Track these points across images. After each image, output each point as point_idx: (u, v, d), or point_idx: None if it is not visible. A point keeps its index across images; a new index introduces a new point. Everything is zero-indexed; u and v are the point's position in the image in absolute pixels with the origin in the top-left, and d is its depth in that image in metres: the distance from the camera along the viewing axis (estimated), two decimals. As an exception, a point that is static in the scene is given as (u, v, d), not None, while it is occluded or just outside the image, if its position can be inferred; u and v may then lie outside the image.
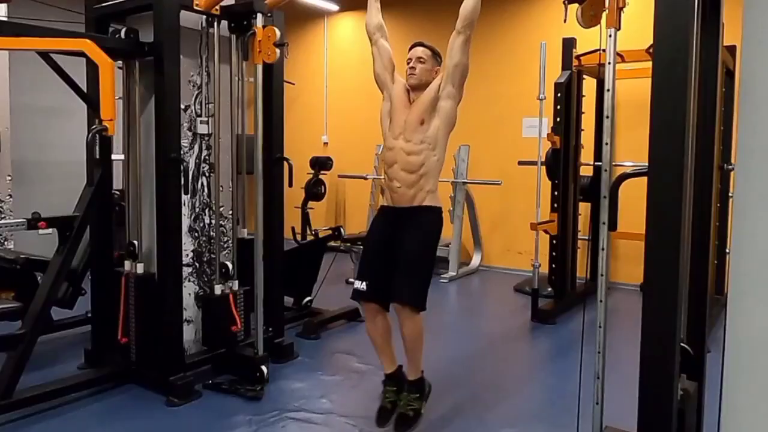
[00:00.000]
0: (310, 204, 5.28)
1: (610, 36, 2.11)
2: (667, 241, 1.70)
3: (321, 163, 5.55)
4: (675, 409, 1.79)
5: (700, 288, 2.14)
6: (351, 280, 5.70)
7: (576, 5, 2.10)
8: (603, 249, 2.18)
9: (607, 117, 2.14)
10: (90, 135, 2.93)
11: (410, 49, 2.75)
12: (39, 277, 3.61)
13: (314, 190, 5.37)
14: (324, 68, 7.82)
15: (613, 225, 2.07)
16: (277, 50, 3.15)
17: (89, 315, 3.70)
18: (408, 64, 2.71)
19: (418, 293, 2.59)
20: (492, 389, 3.36)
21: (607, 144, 2.14)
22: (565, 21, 2.11)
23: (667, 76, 1.72)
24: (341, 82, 7.66)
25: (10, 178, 5.05)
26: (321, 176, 5.48)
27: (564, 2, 2.10)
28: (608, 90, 2.14)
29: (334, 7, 7.52)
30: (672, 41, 1.71)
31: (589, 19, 2.12)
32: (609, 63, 2.13)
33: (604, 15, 2.14)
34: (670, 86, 1.72)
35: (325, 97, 7.80)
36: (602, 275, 2.21)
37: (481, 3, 2.52)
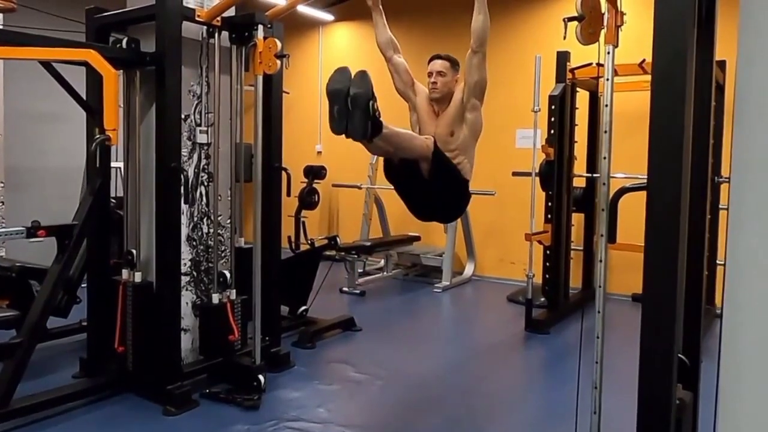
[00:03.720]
0: (304, 213, 5.31)
1: (608, 53, 2.16)
2: (667, 254, 1.73)
3: (315, 172, 5.59)
4: (673, 419, 1.82)
5: (694, 299, 2.17)
6: (345, 289, 5.77)
7: (575, 23, 2.14)
8: (601, 261, 2.21)
9: (605, 131, 2.18)
10: (93, 145, 2.94)
11: (429, 62, 2.80)
12: (33, 285, 3.61)
13: (308, 199, 5.39)
14: (319, 77, 7.84)
15: (612, 238, 2.11)
16: (278, 61, 3.19)
17: (83, 323, 3.68)
18: (429, 78, 2.76)
19: None
20: (487, 399, 3.38)
21: (605, 158, 2.18)
22: (564, 38, 2.15)
23: (666, 90, 1.75)
24: (336, 92, 7.68)
25: (2, 185, 5.02)
26: (315, 185, 5.52)
27: (564, 20, 2.14)
28: (606, 105, 2.19)
29: (329, 17, 7.56)
30: (670, 55, 1.73)
31: (588, 36, 2.17)
32: (607, 79, 2.17)
33: (602, 32, 2.20)
34: (669, 100, 1.74)
35: (319, 107, 7.82)
36: (600, 286, 2.24)
37: (489, 20, 2.56)
